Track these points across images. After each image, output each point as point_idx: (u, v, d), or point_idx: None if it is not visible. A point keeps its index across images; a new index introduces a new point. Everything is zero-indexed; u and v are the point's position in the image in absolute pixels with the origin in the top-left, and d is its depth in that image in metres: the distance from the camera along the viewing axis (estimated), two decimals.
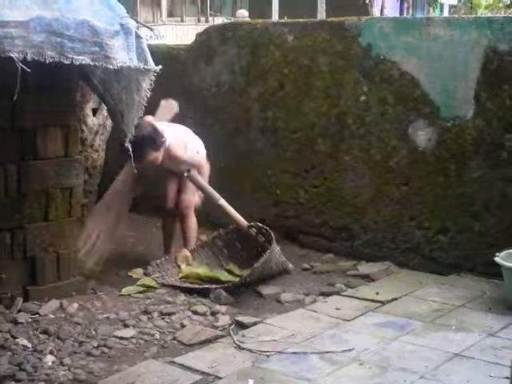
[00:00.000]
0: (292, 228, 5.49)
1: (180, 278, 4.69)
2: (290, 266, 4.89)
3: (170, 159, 4.80)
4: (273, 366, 3.38)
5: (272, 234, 4.72)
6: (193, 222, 5.04)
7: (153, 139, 4.66)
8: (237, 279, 4.54)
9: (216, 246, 5.03)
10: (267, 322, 3.94)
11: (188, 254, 4.91)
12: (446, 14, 33.43)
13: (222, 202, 4.82)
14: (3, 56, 3.21)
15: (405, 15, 24.53)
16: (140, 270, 4.75)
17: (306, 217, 5.40)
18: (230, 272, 4.76)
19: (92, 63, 3.53)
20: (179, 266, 4.81)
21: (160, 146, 4.70)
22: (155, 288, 4.45)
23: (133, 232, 5.64)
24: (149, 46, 3.87)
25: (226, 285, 4.44)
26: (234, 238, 4.98)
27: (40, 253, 4.15)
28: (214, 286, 4.46)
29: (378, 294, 4.33)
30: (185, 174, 4.83)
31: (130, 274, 4.71)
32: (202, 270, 4.77)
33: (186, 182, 4.94)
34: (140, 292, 4.38)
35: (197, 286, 4.56)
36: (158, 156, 4.72)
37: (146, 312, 4.08)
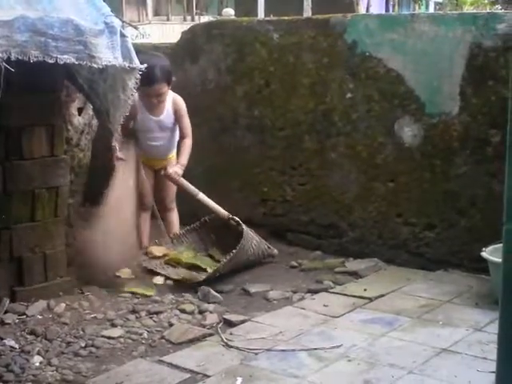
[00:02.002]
0: (279, 226, 5.49)
1: (164, 262, 4.79)
2: (275, 251, 5.01)
3: (176, 110, 4.97)
4: (261, 363, 3.38)
5: (243, 227, 4.83)
6: (177, 216, 5.13)
7: (169, 72, 4.88)
8: (212, 267, 4.68)
9: (203, 231, 5.12)
10: (255, 320, 3.94)
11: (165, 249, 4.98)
12: (431, 11, 33.59)
13: (201, 196, 4.91)
14: None
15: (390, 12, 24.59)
16: (128, 270, 4.73)
17: (293, 214, 5.40)
18: (211, 257, 4.88)
19: (76, 62, 3.51)
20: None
21: (170, 82, 4.88)
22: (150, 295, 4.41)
23: None
24: (134, 44, 3.87)
25: (201, 279, 4.53)
26: (219, 226, 5.05)
27: (27, 253, 4.14)
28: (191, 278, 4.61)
29: (365, 290, 4.33)
30: (162, 173, 4.92)
31: (117, 273, 4.69)
32: (186, 255, 4.87)
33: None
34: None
35: (175, 277, 4.65)
36: (166, 91, 4.86)
37: (133, 311, 4.07)
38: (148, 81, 4.59)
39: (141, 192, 5.06)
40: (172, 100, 4.99)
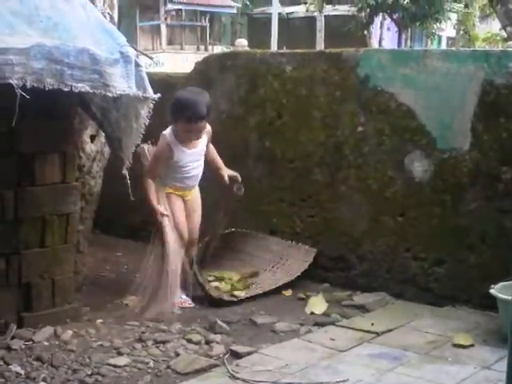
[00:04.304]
0: None
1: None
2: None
3: (208, 136, 4.95)
4: None
5: None
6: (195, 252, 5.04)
7: (210, 109, 4.81)
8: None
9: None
10: (262, 352, 3.92)
11: None
12: (443, 46, 33.78)
13: None
14: (3, 82, 3.23)
15: (403, 47, 24.72)
16: (135, 298, 4.73)
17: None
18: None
19: (91, 91, 3.55)
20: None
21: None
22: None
23: (128, 259, 5.63)
24: (147, 73, 3.90)
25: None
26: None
27: (35, 279, 4.14)
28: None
29: (372, 324, 4.31)
30: (235, 189, 4.99)
31: (125, 302, 4.68)
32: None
33: (195, 206, 4.98)
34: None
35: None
36: (206, 128, 4.84)
37: (140, 340, 4.06)
38: (195, 117, 4.62)
39: (177, 227, 4.85)
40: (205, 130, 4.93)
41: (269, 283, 5.05)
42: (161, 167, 4.78)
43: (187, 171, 4.87)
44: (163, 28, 27.10)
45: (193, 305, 4.79)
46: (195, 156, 4.88)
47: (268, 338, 4.20)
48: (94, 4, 4.61)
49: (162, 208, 4.68)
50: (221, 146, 5.63)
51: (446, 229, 4.72)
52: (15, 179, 4.04)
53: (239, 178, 4.96)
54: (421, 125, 4.77)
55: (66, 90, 3.45)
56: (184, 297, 4.84)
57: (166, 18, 27.65)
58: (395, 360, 3.80)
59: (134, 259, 5.62)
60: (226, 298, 4.80)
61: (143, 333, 4.16)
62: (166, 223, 4.67)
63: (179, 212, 4.86)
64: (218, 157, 5.06)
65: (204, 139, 4.90)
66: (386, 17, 26.91)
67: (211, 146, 5.05)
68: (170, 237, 4.66)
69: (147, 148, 4.81)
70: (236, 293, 4.89)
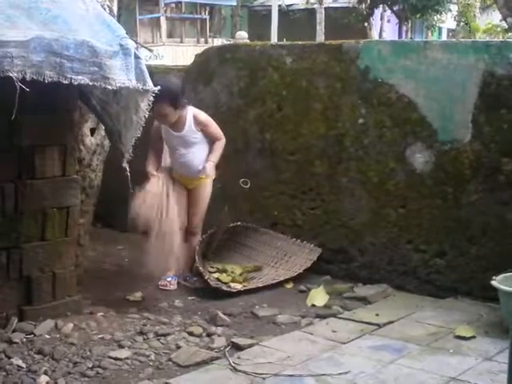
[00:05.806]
0: None
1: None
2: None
3: (198, 125, 4.97)
4: None
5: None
6: (197, 242, 5.06)
7: (175, 95, 4.79)
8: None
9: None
10: (263, 344, 3.92)
11: None
12: (444, 37, 33.72)
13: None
14: (2, 75, 3.22)
15: (403, 39, 24.68)
16: (138, 294, 4.72)
17: (303, 239, 5.38)
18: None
19: (91, 83, 3.53)
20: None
21: (178, 105, 4.82)
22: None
23: (128, 252, 5.62)
24: (147, 66, 3.89)
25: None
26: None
27: (36, 272, 4.14)
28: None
29: (377, 315, 4.30)
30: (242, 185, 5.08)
31: (127, 297, 4.67)
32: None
33: (198, 197, 5.07)
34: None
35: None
36: (172, 115, 4.83)
37: (141, 333, 4.06)
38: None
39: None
40: (192, 115, 4.97)
41: (270, 278, 5.04)
42: (157, 141, 5.05)
43: (177, 155, 5.01)
44: (163, 21, 27.03)
45: (175, 287, 4.89)
46: (182, 141, 4.97)
47: (269, 331, 4.20)
48: None
49: (151, 168, 4.91)
50: None
51: (447, 220, 4.72)
52: (15, 172, 4.03)
53: (206, 172, 5.01)
54: (422, 116, 4.76)
55: (65, 82, 3.43)
56: (169, 279, 4.88)
57: (165, 11, 27.57)
58: (397, 352, 3.80)
59: (134, 253, 5.62)
60: (225, 288, 4.80)
61: (144, 325, 4.16)
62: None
63: (179, 204, 4.93)
64: (215, 149, 5.08)
65: (191, 125, 4.95)
66: (387, 8, 26.87)
67: (216, 140, 5.07)
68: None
69: None
70: (233, 284, 4.88)
